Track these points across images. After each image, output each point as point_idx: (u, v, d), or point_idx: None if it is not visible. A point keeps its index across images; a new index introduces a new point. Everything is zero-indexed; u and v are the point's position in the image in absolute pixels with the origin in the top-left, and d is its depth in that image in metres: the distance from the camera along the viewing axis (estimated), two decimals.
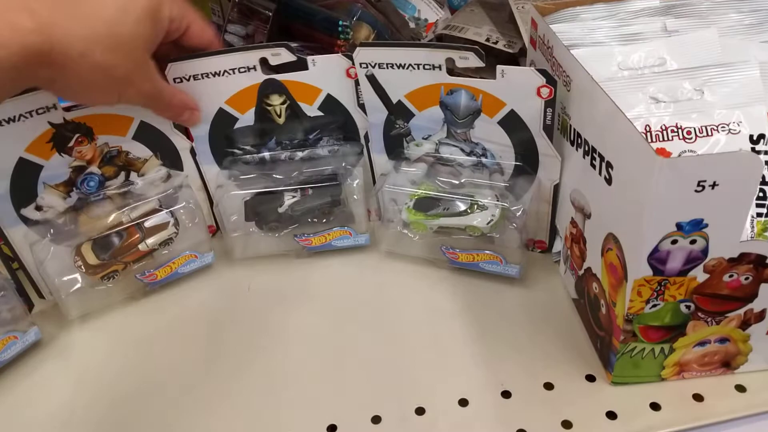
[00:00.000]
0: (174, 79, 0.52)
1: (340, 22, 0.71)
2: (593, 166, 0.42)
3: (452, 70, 0.49)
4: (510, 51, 0.76)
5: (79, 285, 0.54)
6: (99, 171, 0.55)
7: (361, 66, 0.51)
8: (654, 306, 0.39)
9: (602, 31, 0.53)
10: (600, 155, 0.40)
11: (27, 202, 0.52)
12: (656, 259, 0.36)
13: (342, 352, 0.50)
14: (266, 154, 0.58)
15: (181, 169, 0.59)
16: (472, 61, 0.47)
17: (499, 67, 0.47)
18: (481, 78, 0.49)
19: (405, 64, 0.49)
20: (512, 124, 0.49)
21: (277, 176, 0.57)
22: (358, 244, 0.59)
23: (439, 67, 0.48)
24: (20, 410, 0.48)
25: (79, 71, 0.40)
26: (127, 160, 0.56)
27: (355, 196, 0.57)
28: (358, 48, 0.50)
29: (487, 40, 0.76)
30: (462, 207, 0.53)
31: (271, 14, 0.71)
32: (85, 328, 0.55)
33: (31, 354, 0.52)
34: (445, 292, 0.55)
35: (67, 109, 0.51)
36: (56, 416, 0.47)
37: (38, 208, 0.53)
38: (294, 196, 0.57)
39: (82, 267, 0.54)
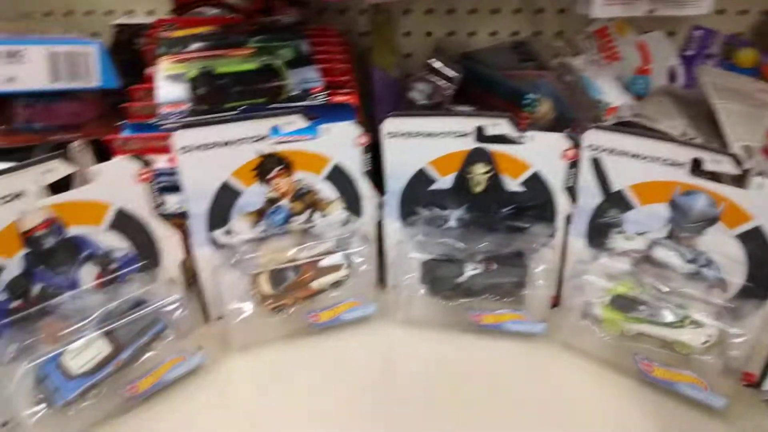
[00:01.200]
0: (388, 133, 0.51)
1: (529, 95, 0.69)
2: None
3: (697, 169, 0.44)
4: None
5: (248, 313, 0.53)
6: (288, 206, 0.55)
7: (588, 148, 0.48)
8: None
9: None
10: None
11: (220, 225, 0.53)
12: None
13: None
14: (454, 222, 0.55)
15: (360, 216, 0.58)
16: (726, 166, 0.43)
17: (755, 177, 0.42)
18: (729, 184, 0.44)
19: (640, 155, 0.46)
20: (754, 241, 0.44)
21: (461, 245, 0.54)
22: (532, 332, 0.54)
23: (682, 165, 0.44)
24: None
25: None
26: (314, 199, 0.55)
27: (540, 281, 0.53)
28: (590, 129, 0.47)
29: (683, 134, 0.71)
30: (671, 317, 0.48)
31: (458, 76, 0.71)
32: (245, 359, 0.53)
33: (193, 377, 0.51)
34: (630, 408, 0.49)
35: (278, 142, 0.52)
36: None
37: (228, 233, 0.53)
38: (476, 269, 0.54)
39: (257, 295, 0.53)
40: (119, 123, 0.61)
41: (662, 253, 0.49)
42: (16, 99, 0.59)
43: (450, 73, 0.71)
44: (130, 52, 0.76)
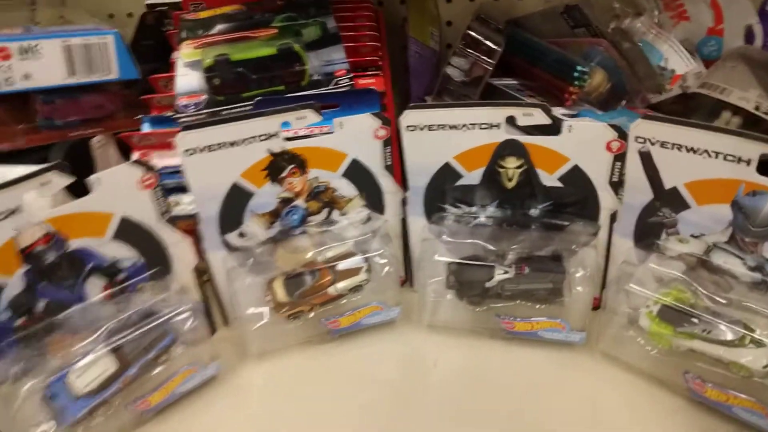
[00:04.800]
0: (407, 127, 0.46)
1: (579, 68, 0.62)
2: None
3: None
4: None
5: (265, 320, 0.51)
6: (304, 205, 0.51)
7: (636, 140, 0.41)
8: None
9: None
10: None
11: (232, 227, 0.50)
12: None
13: None
14: (483, 218, 0.50)
15: (382, 213, 0.54)
16: None
17: None
18: None
19: (698, 149, 0.39)
20: None
21: (491, 246, 0.49)
22: (569, 341, 0.49)
23: (747, 162, 0.37)
24: None
25: None
26: (332, 197, 0.52)
27: (578, 288, 0.48)
28: (638, 120, 0.40)
29: (757, 108, 0.62)
30: (728, 335, 0.41)
31: (498, 50, 0.64)
32: (262, 367, 0.51)
33: (208, 387, 0.49)
34: (678, 430, 0.43)
35: (288, 139, 0.48)
36: None
37: (241, 235, 0.51)
38: (506, 272, 0.49)
39: (272, 302, 0.50)
40: (138, 117, 0.59)
41: (722, 259, 0.43)
42: (35, 95, 0.59)
43: (490, 44, 0.65)
44: (159, 37, 0.74)
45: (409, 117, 0.46)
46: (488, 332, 0.51)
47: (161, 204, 0.46)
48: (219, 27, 0.65)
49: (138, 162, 0.44)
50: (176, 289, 0.48)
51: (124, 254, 0.46)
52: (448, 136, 0.46)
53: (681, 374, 0.44)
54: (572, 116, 0.60)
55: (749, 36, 0.75)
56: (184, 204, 0.54)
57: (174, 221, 0.48)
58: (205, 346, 0.48)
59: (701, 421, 0.44)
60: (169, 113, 0.61)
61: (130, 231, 0.45)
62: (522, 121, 0.44)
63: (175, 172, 0.55)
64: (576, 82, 0.62)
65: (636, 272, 0.46)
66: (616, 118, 0.62)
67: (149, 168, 0.44)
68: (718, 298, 0.43)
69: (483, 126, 0.45)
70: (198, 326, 0.47)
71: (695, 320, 0.43)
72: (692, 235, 0.43)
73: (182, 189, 0.54)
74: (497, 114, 0.44)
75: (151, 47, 0.73)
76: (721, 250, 0.42)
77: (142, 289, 0.47)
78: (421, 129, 0.46)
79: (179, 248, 0.48)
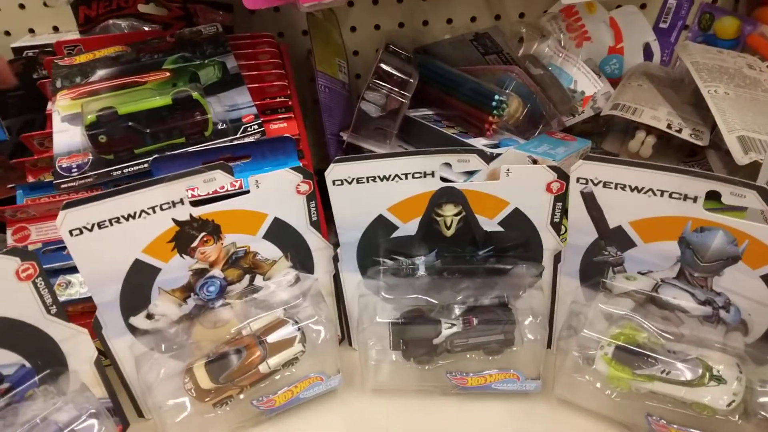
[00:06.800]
0: (334, 181, 0.42)
1: (497, 97, 0.60)
2: None
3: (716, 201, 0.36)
4: (698, 143, 0.63)
5: (187, 412, 0.44)
6: (221, 275, 0.45)
7: (578, 181, 0.39)
8: None
9: None
10: None
11: (138, 309, 0.43)
12: None
13: None
14: (421, 269, 0.46)
15: (312, 272, 0.49)
16: (751, 200, 0.35)
17: None
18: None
19: (640, 188, 0.37)
20: None
21: (434, 298, 0.46)
22: (524, 390, 0.46)
23: (694, 199, 0.36)
24: None
25: None
26: (253, 261, 0.46)
27: (529, 336, 0.45)
28: (579, 161, 0.38)
29: (669, 126, 0.64)
30: (688, 374, 0.40)
31: (412, 82, 0.61)
32: None
33: None
34: None
35: (195, 204, 0.42)
36: None
37: (149, 317, 0.44)
38: (454, 325, 0.45)
39: (193, 391, 0.44)
40: (11, 186, 0.50)
41: (671, 294, 0.41)
42: None
43: (403, 77, 0.62)
44: (30, 85, 0.64)
45: (336, 171, 0.41)
46: (439, 390, 0.48)
47: (46, 296, 0.38)
48: (100, 73, 0.58)
49: (13, 250, 0.36)
50: (75, 389, 0.40)
51: (5, 359, 0.37)
52: (380, 187, 0.42)
53: (641, 415, 0.42)
54: (494, 146, 0.58)
55: (648, 53, 0.78)
56: (76, 285, 0.46)
57: (64, 311, 0.40)
58: None
59: None
60: (47, 178, 0.53)
61: (7, 334, 0.37)
62: (457, 168, 0.41)
63: (62, 248, 0.47)
64: (495, 112, 0.61)
65: (585, 312, 0.44)
66: (539, 145, 0.61)
67: (27, 256, 0.36)
68: (669, 334, 0.41)
69: (416, 175, 0.41)
70: (103, 425, 0.40)
71: (652, 360, 0.41)
72: (640, 272, 0.42)
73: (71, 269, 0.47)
74: (431, 162, 0.41)
75: (21, 98, 0.64)
76: (669, 286, 0.41)
77: (32, 396, 0.39)
78: (350, 182, 0.42)
79: (73, 342, 0.40)
